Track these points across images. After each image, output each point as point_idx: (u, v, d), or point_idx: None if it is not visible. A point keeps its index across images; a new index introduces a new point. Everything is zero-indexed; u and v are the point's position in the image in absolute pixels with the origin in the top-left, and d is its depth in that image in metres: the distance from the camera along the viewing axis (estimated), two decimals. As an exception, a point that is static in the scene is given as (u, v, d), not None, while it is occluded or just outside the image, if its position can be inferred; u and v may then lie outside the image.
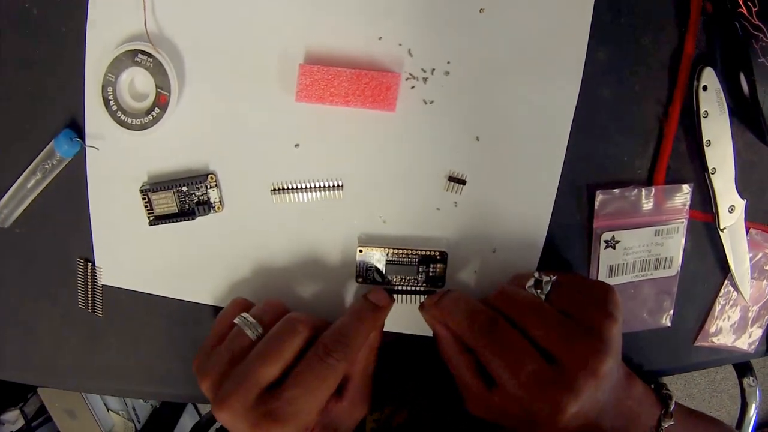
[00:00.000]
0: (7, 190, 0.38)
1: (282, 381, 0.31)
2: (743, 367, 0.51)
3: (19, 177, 0.38)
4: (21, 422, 0.86)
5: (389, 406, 0.43)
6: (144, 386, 0.42)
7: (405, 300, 0.38)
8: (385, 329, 0.39)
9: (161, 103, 0.35)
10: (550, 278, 0.33)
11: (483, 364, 0.32)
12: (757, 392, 0.51)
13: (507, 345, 0.30)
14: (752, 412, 0.51)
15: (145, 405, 0.95)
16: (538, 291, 0.33)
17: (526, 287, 0.33)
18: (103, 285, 0.39)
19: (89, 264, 0.39)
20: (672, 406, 0.34)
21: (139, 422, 0.91)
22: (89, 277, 0.39)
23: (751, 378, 0.50)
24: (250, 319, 0.33)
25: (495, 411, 0.32)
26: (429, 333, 0.39)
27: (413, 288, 0.37)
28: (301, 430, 0.30)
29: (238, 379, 0.30)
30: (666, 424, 0.33)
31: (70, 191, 0.38)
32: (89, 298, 0.40)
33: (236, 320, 0.34)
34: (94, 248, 0.39)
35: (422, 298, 0.37)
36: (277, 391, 0.30)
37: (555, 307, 0.32)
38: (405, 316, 0.38)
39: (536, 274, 0.33)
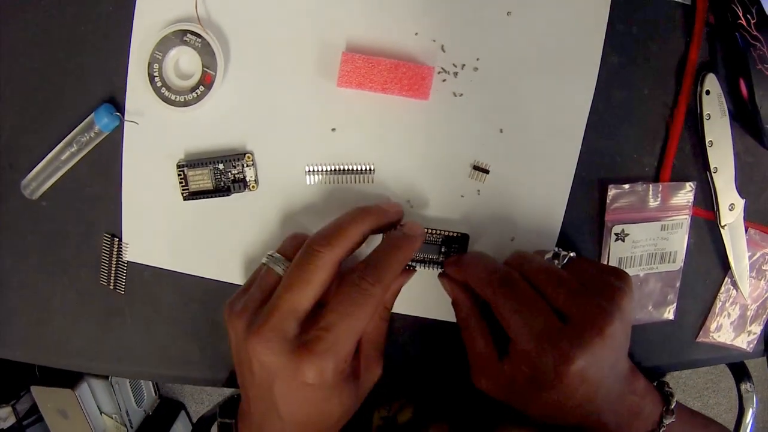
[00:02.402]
0: (38, 162, 0.39)
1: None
2: (740, 372, 0.52)
3: (52, 150, 0.38)
4: (12, 420, 0.82)
5: (396, 402, 0.43)
6: (159, 368, 0.42)
7: (423, 284, 0.39)
8: (403, 312, 0.40)
9: (206, 82, 0.36)
10: (569, 253, 0.35)
11: (498, 318, 0.33)
12: (754, 398, 0.52)
13: (523, 299, 0.32)
14: (749, 418, 0.52)
15: (138, 410, 0.92)
16: (555, 262, 0.35)
17: (545, 258, 0.35)
18: (127, 261, 0.40)
19: (116, 239, 0.39)
20: (674, 403, 0.35)
21: (132, 427, 0.88)
22: (114, 253, 0.40)
23: (748, 383, 0.52)
24: (276, 255, 0.34)
25: (502, 382, 0.33)
26: (444, 317, 0.40)
27: (434, 260, 0.38)
28: (339, 364, 0.30)
29: (270, 309, 0.30)
30: (668, 421, 0.34)
31: (102, 167, 0.39)
32: (112, 275, 0.40)
33: (263, 260, 0.34)
34: (123, 224, 0.39)
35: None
36: (314, 320, 0.30)
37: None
38: (422, 301, 0.40)
39: (556, 249, 0.35)
